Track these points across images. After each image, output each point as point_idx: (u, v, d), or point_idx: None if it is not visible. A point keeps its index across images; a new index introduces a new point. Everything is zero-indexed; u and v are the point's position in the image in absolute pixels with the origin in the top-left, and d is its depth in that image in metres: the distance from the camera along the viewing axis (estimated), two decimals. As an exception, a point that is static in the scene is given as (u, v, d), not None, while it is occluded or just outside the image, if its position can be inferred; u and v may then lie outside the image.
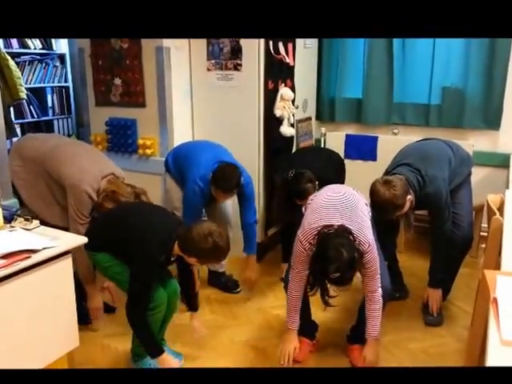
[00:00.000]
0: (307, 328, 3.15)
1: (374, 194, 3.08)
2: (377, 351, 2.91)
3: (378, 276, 2.74)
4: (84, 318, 3.29)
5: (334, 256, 2.41)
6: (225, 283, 4.02)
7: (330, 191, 2.89)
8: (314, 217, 2.72)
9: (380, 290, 2.78)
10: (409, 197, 3.14)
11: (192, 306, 3.13)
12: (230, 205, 3.99)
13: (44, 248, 2.34)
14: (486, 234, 3.77)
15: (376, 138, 5.03)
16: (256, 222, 3.89)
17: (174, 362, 2.81)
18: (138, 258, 2.65)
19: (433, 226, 3.42)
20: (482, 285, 2.67)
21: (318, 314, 3.25)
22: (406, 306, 3.73)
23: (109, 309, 3.56)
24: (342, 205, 2.72)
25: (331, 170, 3.89)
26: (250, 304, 3.81)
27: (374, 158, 5.03)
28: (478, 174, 3.71)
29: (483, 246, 4.18)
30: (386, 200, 3.03)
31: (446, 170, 3.33)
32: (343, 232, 2.53)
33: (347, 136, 5.18)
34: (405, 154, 3.51)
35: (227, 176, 3.50)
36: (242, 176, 3.58)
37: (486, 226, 3.62)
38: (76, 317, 2.62)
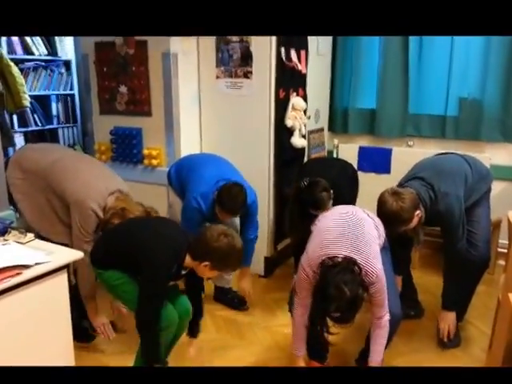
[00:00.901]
0: (317, 349, 3.02)
1: (381, 204, 3.00)
2: None
3: (386, 303, 2.64)
4: (83, 336, 3.22)
5: (335, 295, 2.30)
6: (231, 299, 3.95)
7: (337, 213, 2.79)
8: (319, 242, 2.62)
9: (388, 315, 2.67)
10: (417, 212, 3.03)
11: (193, 330, 2.99)
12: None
13: (37, 263, 2.25)
14: (504, 250, 3.67)
15: (390, 151, 4.97)
16: (256, 238, 3.81)
17: None
18: (148, 267, 2.54)
19: (445, 244, 3.29)
20: (505, 309, 2.56)
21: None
22: (420, 326, 3.62)
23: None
24: (349, 229, 2.60)
25: (345, 180, 3.79)
26: (258, 322, 3.71)
27: (387, 170, 4.96)
28: (495, 189, 3.62)
29: (500, 262, 4.08)
30: (393, 212, 2.93)
31: (461, 187, 3.20)
32: (348, 265, 2.40)
33: (360, 148, 5.13)
34: (420, 167, 3.40)
35: (233, 197, 3.39)
36: (247, 196, 3.48)
37: (503, 242, 3.50)
38: (71, 336, 2.52)
